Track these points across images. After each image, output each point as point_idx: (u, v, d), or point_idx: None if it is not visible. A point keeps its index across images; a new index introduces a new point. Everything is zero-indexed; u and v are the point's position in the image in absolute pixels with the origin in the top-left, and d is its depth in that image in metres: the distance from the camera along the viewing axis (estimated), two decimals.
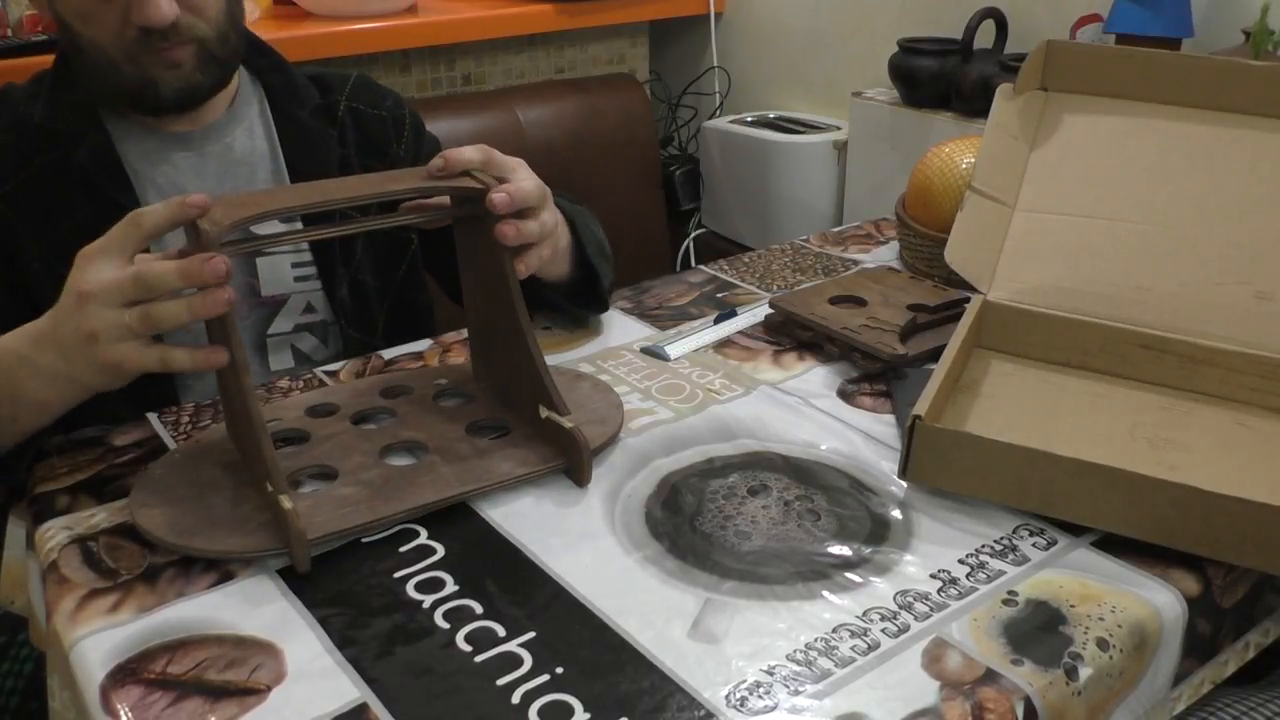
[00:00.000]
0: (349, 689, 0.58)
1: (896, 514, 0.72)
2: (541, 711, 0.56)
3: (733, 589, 0.65)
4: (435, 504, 0.72)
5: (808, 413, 0.85)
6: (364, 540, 0.70)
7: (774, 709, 0.56)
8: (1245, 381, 0.83)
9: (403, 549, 0.69)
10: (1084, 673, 0.59)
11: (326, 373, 0.94)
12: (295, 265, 1.01)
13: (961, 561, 0.67)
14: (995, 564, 0.67)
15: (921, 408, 0.72)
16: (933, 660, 0.59)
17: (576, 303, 1.00)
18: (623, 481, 0.76)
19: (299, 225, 0.97)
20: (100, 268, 0.67)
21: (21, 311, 0.77)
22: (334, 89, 1.07)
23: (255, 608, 0.64)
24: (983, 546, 0.69)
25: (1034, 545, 0.69)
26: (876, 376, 0.90)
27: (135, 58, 0.88)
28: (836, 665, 0.59)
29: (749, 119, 2.03)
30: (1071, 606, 0.63)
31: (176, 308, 0.67)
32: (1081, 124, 0.95)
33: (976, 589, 0.65)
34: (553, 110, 1.94)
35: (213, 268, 0.66)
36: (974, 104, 1.53)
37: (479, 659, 0.59)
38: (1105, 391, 0.86)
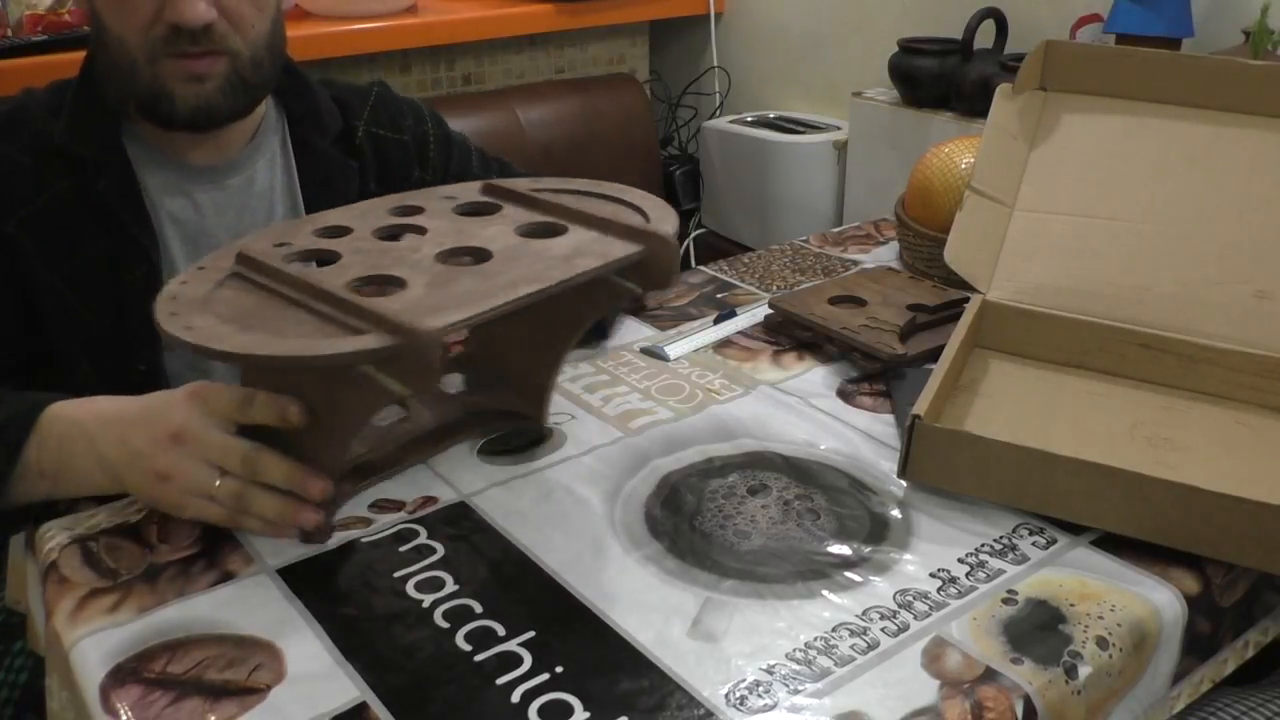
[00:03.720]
0: (349, 688, 0.58)
1: (896, 513, 0.72)
2: (541, 710, 0.56)
3: (732, 588, 0.65)
4: (539, 293, 0.64)
5: (807, 413, 0.85)
6: (363, 540, 0.70)
7: (773, 708, 0.56)
8: (1245, 381, 0.83)
9: (402, 549, 0.69)
10: (1083, 671, 0.59)
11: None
12: None
13: (961, 560, 0.67)
14: (995, 563, 0.67)
15: (921, 407, 0.72)
16: (932, 659, 0.59)
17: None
18: (622, 481, 0.76)
19: None
20: (209, 424, 0.67)
21: (24, 331, 0.76)
22: (354, 112, 1.02)
23: (255, 607, 0.64)
24: (982, 545, 0.69)
25: (1033, 544, 0.69)
26: (876, 376, 0.90)
27: (157, 60, 0.84)
28: (836, 664, 0.59)
29: (749, 119, 2.03)
30: (1071, 605, 0.63)
31: (271, 505, 0.67)
32: (1080, 124, 0.95)
33: (976, 588, 0.65)
34: (553, 110, 1.94)
35: (321, 490, 0.67)
36: (974, 104, 1.53)
37: (478, 658, 0.59)
38: (1105, 391, 0.86)
